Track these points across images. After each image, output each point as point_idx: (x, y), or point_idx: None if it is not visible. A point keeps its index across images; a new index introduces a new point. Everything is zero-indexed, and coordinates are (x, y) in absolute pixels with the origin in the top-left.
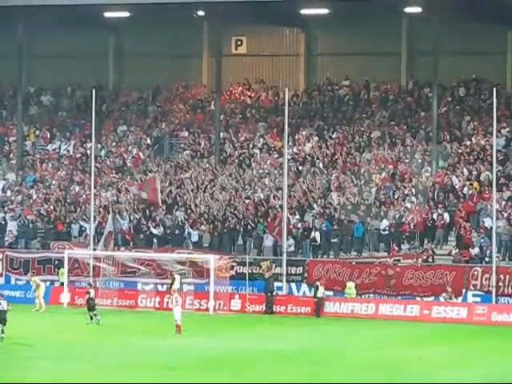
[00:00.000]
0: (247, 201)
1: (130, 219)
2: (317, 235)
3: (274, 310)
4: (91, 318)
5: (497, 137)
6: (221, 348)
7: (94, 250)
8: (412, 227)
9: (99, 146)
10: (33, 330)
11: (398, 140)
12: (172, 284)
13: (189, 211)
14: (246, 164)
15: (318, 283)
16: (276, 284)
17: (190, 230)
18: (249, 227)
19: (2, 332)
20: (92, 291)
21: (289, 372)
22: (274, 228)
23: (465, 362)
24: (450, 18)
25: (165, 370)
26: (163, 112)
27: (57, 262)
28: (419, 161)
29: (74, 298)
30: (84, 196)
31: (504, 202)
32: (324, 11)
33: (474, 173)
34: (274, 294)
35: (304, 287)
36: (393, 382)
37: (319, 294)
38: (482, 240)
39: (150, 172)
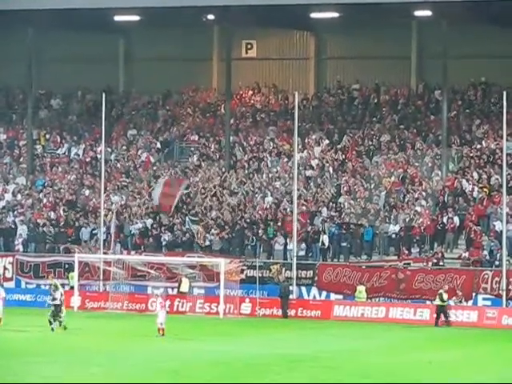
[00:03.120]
0: (257, 205)
1: (145, 223)
2: (325, 239)
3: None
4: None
5: (507, 140)
6: (232, 351)
7: (105, 253)
8: (422, 231)
9: (109, 149)
10: (43, 333)
11: (408, 144)
12: (179, 287)
13: (199, 215)
14: (256, 168)
15: (441, 291)
16: None
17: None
18: (259, 231)
19: (60, 324)
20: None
21: (301, 376)
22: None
23: (475, 366)
24: (460, 21)
25: (175, 374)
26: (173, 116)
27: (67, 266)
28: (429, 164)
29: (85, 301)
30: (94, 200)
31: None
32: (334, 15)
33: (484, 176)
34: (291, 297)
35: (314, 291)
36: None
37: (444, 302)
38: (492, 243)
39: (161, 175)
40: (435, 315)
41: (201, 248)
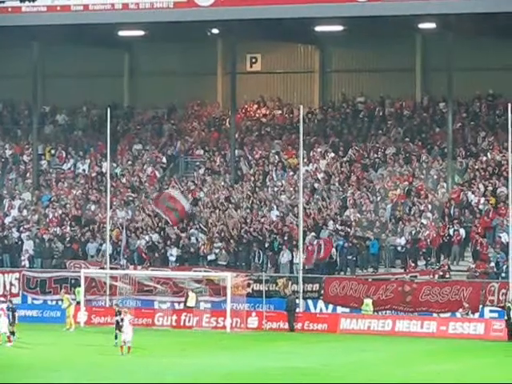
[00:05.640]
0: (263, 218)
1: (151, 238)
2: (332, 252)
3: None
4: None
5: None
6: (239, 365)
7: (111, 268)
8: (428, 243)
9: (114, 164)
10: (49, 349)
11: (414, 156)
12: (186, 301)
13: (205, 229)
14: (262, 181)
15: (509, 304)
16: None
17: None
18: (265, 244)
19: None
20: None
21: None
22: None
23: (482, 378)
24: (464, 33)
25: None
26: (178, 130)
27: (73, 281)
28: (435, 177)
29: (91, 316)
30: (100, 215)
31: None
32: (338, 28)
33: (490, 188)
34: (297, 311)
35: (321, 304)
36: None
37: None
38: (499, 255)
39: (167, 189)
40: (508, 331)
41: (207, 262)
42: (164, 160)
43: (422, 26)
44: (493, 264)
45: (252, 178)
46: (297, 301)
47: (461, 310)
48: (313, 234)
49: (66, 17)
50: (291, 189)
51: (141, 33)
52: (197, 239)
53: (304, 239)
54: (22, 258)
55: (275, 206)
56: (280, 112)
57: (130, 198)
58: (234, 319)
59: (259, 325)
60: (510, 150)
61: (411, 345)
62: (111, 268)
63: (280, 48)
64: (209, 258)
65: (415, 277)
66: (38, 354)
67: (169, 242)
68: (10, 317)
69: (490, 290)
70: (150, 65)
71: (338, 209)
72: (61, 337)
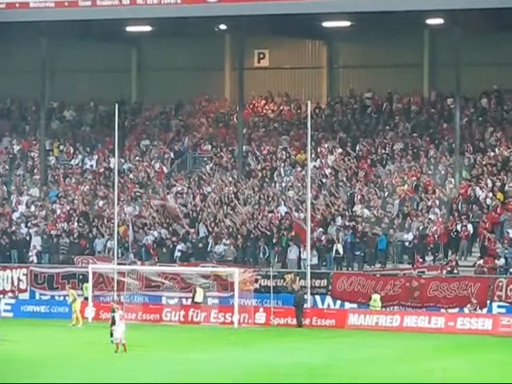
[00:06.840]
0: (270, 214)
1: (159, 233)
2: (339, 247)
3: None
4: None
5: None
6: (247, 361)
7: (119, 264)
8: (436, 239)
9: (122, 160)
10: (54, 345)
11: (421, 152)
12: (194, 297)
13: (212, 225)
14: (269, 177)
15: None
16: None
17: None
18: (273, 240)
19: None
20: None
21: None
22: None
23: (490, 374)
24: (472, 28)
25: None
26: (186, 126)
27: (81, 277)
28: (442, 172)
29: (99, 312)
30: (107, 210)
31: None
32: (346, 24)
33: (498, 184)
34: (305, 307)
35: (329, 299)
36: None
37: None
38: (507, 251)
39: (173, 186)
40: None
41: (215, 258)
42: (172, 155)
43: (429, 21)
44: (501, 259)
45: (260, 174)
46: (305, 296)
47: (469, 305)
48: (321, 229)
49: (74, 12)
50: (299, 184)
51: (148, 28)
52: (205, 234)
53: (312, 235)
54: (30, 253)
55: (283, 202)
56: (288, 108)
57: (138, 194)
58: (242, 315)
59: (267, 320)
60: None
61: (419, 340)
62: (119, 263)
63: (288, 44)
64: (216, 253)
65: (423, 272)
66: (40, 349)
67: (176, 238)
68: None
69: (498, 286)
70: (158, 60)
71: (346, 204)
72: (67, 332)
